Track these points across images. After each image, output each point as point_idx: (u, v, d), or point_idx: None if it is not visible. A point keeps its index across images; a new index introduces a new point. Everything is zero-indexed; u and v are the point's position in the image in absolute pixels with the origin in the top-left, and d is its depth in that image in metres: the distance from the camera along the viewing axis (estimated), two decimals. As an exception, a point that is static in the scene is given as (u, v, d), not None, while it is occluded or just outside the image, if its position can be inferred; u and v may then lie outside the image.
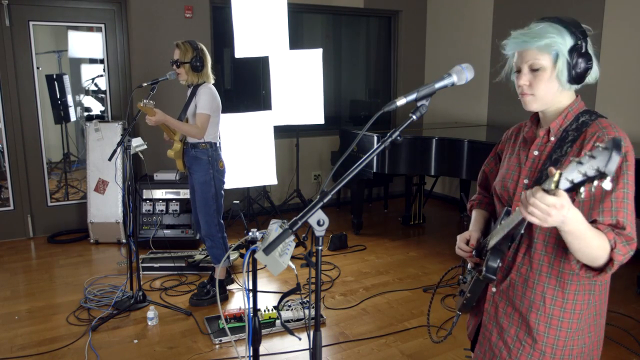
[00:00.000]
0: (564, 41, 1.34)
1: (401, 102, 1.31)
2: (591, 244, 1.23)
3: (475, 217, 1.71)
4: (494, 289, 1.52)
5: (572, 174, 1.02)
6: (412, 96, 1.33)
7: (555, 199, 1.09)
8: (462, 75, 1.35)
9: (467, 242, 1.61)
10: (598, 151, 1.00)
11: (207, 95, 3.37)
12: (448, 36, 6.29)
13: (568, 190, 1.05)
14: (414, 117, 1.33)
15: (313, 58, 5.01)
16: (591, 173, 1.00)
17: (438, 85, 1.34)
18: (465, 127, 5.50)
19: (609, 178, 0.99)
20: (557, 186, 1.05)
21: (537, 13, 5.22)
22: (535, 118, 1.52)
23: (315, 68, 5.02)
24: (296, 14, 5.87)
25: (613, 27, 4.54)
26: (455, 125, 5.70)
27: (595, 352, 1.48)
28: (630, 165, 1.31)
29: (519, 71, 1.40)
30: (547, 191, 1.09)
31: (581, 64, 1.35)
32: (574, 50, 1.34)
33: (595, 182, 1.00)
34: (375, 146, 1.35)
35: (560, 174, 1.04)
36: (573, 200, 1.17)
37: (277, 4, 4.86)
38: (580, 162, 1.02)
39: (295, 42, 5.65)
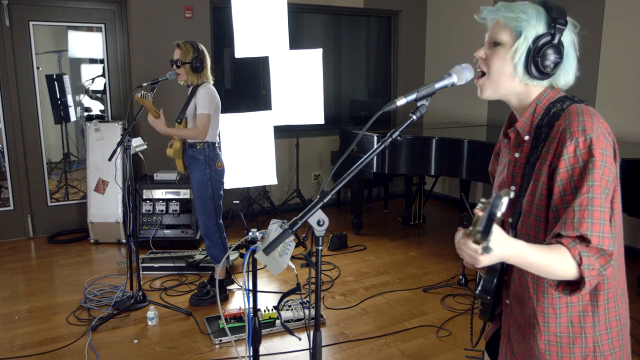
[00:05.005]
0: (536, 24, 1.23)
1: (401, 102, 1.30)
2: (550, 268, 1.13)
3: None
4: (507, 301, 1.41)
5: (474, 228, 0.97)
6: (412, 96, 1.32)
7: (478, 246, 1.01)
8: (462, 75, 1.33)
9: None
10: (485, 207, 0.94)
11: (207, 96, 3.37)
12: (448, 36, 6.29)
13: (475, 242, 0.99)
14: (414, 117, 1.32)
15: (313, 58, 5.01)
16: (473, 233, 0.96)
17: (438, 85, 1.32)
18: (465, 127, 5.50)
19: (489, 242, 0.94)
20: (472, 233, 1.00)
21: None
22: (513, 115, 1.41)
23: (315, 68, 5.02)
24: (296, 14, 5.87)
25: (613, 27, 4.54)
26: (455, 125, 5.70)
27: (618, 354, 1.31)
28: (597, 162, 1.16)
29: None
30: (474, 232, 1.01)
31: (548, 56, 1.23)
32: (542, 37, 1.23)
33: (481, 244, 0.95)
34: (375, 146, 1.34)
35: (475, 224, 0.98)
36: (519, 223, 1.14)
37: (277, 4, 4.86)
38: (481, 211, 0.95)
39: (295, 42, 5.64)
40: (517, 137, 1.35)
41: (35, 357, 2.93)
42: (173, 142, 3.50)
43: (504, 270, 1.38)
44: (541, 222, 1.26)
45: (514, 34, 1.25)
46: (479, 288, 1.33)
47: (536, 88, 1.30)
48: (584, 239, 1.14)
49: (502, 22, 1.27)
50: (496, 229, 1.00)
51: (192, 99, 3.41)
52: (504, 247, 1.05)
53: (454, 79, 1.34)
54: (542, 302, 1.29)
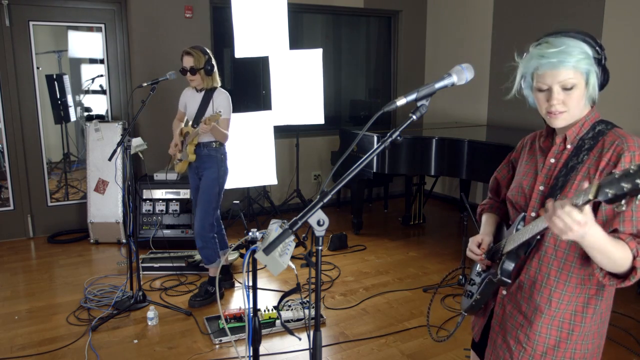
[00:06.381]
0: (590, 55, 1.35)
1: (401, 102, 1.31)
2: (613, 256, 1.25)
3: (486, 220, 1.72)
4: (504, 292, 1.54)
5: (614, 187, 1.03)
6: (412, 96, 1.33)
7: (582, 216, 1.13)
8: (462, 75, 1.34)
9: (479, 246, 1.62)
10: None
11: (227, 101, 3.50)
12: (448, 36, 6.29)
13: (608, 202, 1.05)
14: (414, 117, 1.32)
15: (313, 58, 5.01)
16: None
17: (438, 85, 1.33)
18: (465, 127, 5.50)
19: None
20: (595, 196, 1.06)
21: (537, 14, 5.22)
22: (551, 128, 1.52)
23: (315, 68, 5.02)
24: (296, 14, 5.86)
25: (613, 27, 4.54)
26: (455, 125, 5.70)
27: (595, 358, 1.49)
28: None
29: (541, 90, 1.39)
30: (575, 205, 1.13)
31: (605, 77, 1.38)
32: (599, 65, 1.36)
33: None
34: (375, 146, 1.35)
35: (599, 185, 1.05)
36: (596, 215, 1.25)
37: (277, 4, 4.86)
38: (625, 175, 1.02)
39: (295, 42, 5.65)
40: (561, 144, 1.47)
41: (35, 357, 2.93)
42: (188, 147, 3.51)
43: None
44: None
45: (583, 75, 1.35)
46: (499, 274, 1.43)
47: (588, 107, 1.44)
48: (638, 236, 1.29)
49: (571, 70, 1.34)
50: (589, 210, 1.14)
51: (208, 104, 3.45)
52: (592, 225, 1.17)
53: (454, 79, 1.35)
54: (560, 289, 1.41)
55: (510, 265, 1.43)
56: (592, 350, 1.47)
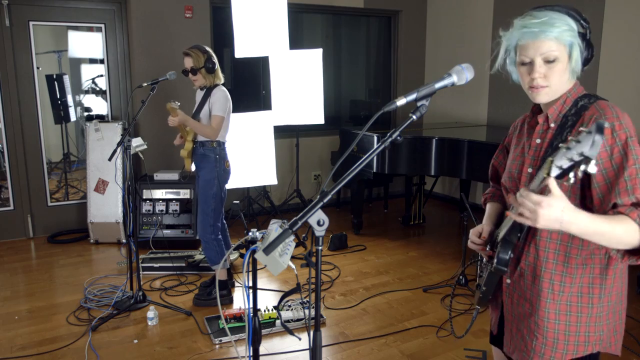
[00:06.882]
0: (575, 28, 1.32)
1: (401, 102, 1.31)
2: (614, 234, 1.20)
3: (489, 210, 1.70)
4: (508, 281, 1.52)
5: (561, 160, 1.02)
6: (412, 96, 1.33)
7: (539, 197, 1.11)
8: (462, 75, 1.35)
9: (479, 236, 1.61)
10: (582, 135, 1.00)
11: (222, 98, 3.44)
12: (448, 36, 6.29)
13: (558, 177, 1.03)
14: (414, 117, 1.33)
15: (313, 58, 5.01)
16: (576, 158, 1.00)
17: (438, 85, 1.33)
18: (465, 127, 5.50)
19: (593, 162, 0.99)
20: (548, 174, 1.05)
21: (537, 13, 5.21)
22: (537, 107, 1.51)
23: (315, 68, 5.02)
24: (296, 14, 5.87)
25: (613, 27, 4.54)
26: (455, 125, 5.70)
27: (612, 339, 1.45)
28: (636, 141, 1.29)
29: (524, 63, 1.37)
30: (533, 191, 1.12)
31: (590, 52, 1.35)
32: (584, 39, 1.33)
33: (582, 167, 1.00)
34: (375, 146, 1.35)
35: (552, 162, 1.03)
36: (584, 200, 1.22)
37: (277, 4, 4.86)
38: (568, 148, 1.01)
39: (295, 42, 5.64)
40: (544, 123, 1.43)
41: (35, 357, 2.93)
42: (185, 143, 3.51)
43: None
44: (571, 198, 1.33)
45: (566, 47, 1.33)
46: (495, 263, 1.41)
47: (571, 82, 1.41)
48: (638, 205, 1.24)
49: (554, 42, 1.32)
50: (559, 193, 1.11)
51: (206, 101, 3.43)
52: (564, 211, 1.14)
53: (454, 78, 1.35)
54: (560, 272, 1.39)
55: (505, 253, 1.41)
56: (609, 332, 1.43)
